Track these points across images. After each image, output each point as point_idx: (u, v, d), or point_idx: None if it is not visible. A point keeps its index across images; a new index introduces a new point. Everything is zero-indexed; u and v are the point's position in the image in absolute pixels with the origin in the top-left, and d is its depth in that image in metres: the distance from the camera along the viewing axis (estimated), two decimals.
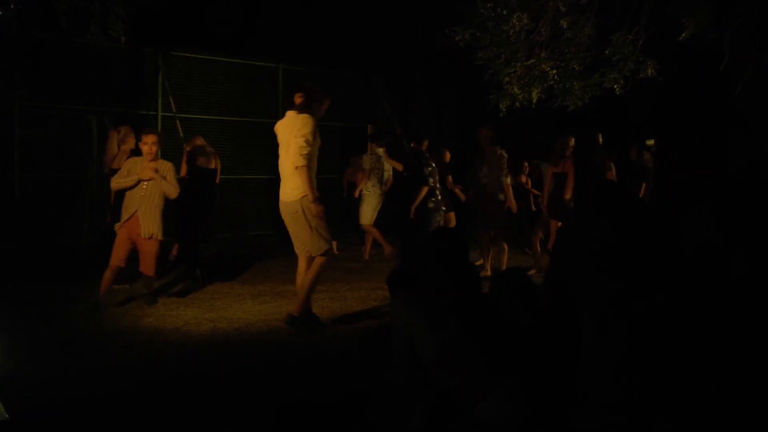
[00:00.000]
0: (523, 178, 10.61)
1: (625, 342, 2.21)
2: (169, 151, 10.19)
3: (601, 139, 8.31)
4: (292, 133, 5.41)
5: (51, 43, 9.12)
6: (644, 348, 2.15)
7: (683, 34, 6.79)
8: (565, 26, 6.97)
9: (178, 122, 10.00)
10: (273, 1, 11.41)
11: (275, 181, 10.95)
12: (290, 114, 5.54)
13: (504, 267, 8.03)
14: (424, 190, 7.51)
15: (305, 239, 5.51)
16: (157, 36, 10.38)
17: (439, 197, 7.76)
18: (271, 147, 11.22)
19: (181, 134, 9.88)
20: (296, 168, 5.36)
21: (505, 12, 6.98)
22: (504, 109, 7.34)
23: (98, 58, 9.71)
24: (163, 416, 3.75)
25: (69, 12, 7.88)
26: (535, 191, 10.52)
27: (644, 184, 9.80)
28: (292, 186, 5.45)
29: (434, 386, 2.79)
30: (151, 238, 6.33)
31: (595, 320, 2.38)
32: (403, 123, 12.30)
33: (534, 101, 7.31)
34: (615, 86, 7.08)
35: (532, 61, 7.15)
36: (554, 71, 7.12)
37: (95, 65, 9.75)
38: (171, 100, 10.22)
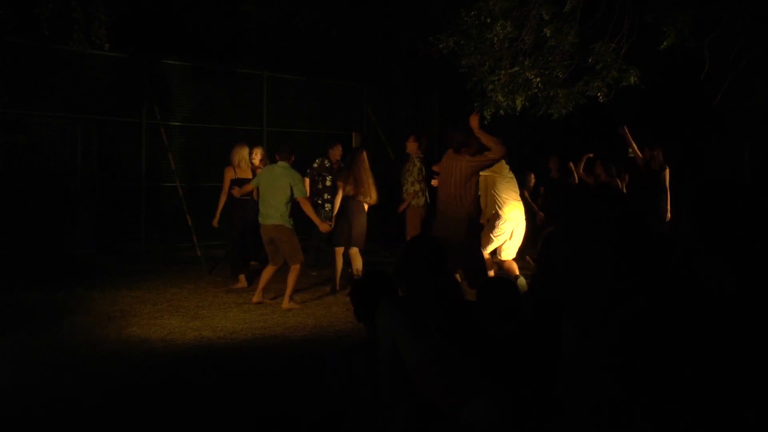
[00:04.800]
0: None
1: (608, 347, 2.22)
2: (154, 158, 10.15)
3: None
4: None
5: (32, 49, 9.03)
6: (628, 353, 2.16)
7: (664, 43, 6.88)
8: (548, 34, 7.01)
9: (162, 130, 9.94)
10: (258, 9, 11.36)
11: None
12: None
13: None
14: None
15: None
16: (141, 43, 10.32)
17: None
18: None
19: (166, 142, 9.82)
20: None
21: (488, 20, 7.01)
22: (488, 117, 7.37)
23: (81, 64, 9.62)
24: (145, 426, 3.72)
25: (51, 18, 7.81)
26: None
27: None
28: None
29: (418, 392, 2.79)
30: None
31: (580, 326, 2.39)
32: (387, 130, 12.31)
33: (518, 109, 7.35)
34: (598, 94, 7.13)
35: (515, 68, 7.18)
36: (538, 79, 7.16)
37: (78, 72, 9.66)
38: (155, 107, 10.15)
